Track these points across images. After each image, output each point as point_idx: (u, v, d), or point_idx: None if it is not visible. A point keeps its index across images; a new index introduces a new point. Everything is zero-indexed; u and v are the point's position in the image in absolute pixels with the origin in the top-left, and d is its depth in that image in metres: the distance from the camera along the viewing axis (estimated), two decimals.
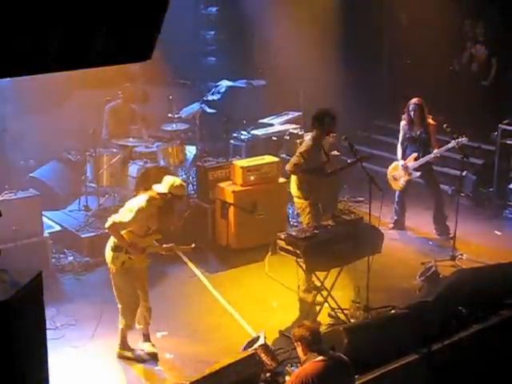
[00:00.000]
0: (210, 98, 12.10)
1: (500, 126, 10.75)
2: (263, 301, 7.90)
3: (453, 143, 9.17)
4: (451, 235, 9.15)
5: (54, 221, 9.39)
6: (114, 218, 6.48)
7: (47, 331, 4.40)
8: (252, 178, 9.31)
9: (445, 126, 9.13)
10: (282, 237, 7.14)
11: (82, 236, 9.00)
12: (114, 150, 9.67)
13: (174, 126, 10.28)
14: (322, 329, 6.73)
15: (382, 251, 7.44)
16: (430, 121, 9.51)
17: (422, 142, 9.51)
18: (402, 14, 13.13)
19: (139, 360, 6.76)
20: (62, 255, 8.85)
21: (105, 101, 10.17)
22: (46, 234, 8.50)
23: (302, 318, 7.17)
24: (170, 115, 10.43)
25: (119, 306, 6.68)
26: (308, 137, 8.49)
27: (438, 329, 6.30)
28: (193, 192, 10.00)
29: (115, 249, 6.53)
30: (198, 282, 8.42)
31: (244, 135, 10.87)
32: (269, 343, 6.35)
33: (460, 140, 9.10)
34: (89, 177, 9.69)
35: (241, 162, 9.51)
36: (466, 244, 9.26)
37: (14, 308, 3.76)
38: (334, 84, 11.45)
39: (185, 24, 11.80)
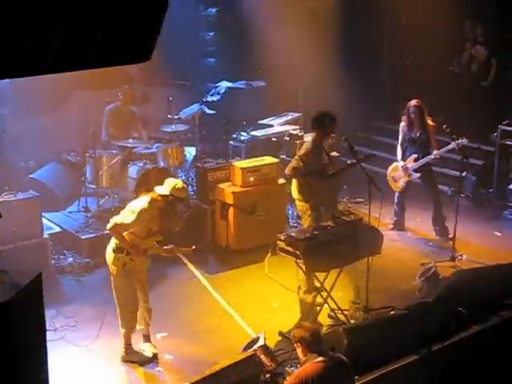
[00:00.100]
0: (210, 99, 12.10)
1: (500, 126, 10.76)
2: (263, 302, 7.90)
3: (453, 144, 9.17)
4: (451, 236, 9.15)
5: (53, 222, 9.39)
6: (116, 220, 6.47)
7: (47, 332, 4.40)
8: (252, 179, 9.31)
9: (444, 126, 9.13)
10: (282, 238, 7.13)
11: (82, 237, 8.99)
12: (114, 152, 9.68)
13: (174, 127, 10.29)
14: (322, 330, 6.73)
15: (381, 252, 7.43)
16: (430, 122, 9.51)
17: (421, 143, 9.51)
18: (402, 15, 13.13)
19: (142, 363, 6.76)
20: (61, 256, 8.84)
21: (104, 102, 10.18)
22: (45, 236, 8.49)
23: (302, 319, 7.17)
24: (169, 116, 10.44)
25: (118, 307, 6.67)
26: (308, 138, 8.49)
27: (438, 329, 6.30)
28: (192, 193, 10.00)
29: (117, 250, 6.53)
30: (198, 283, 8.42)
31: (244, 136, 10.87)
32: (268, 344, 6.35)
33: (460, 141, 9.10)
34: (88, 178, 9.69)
35: (240, 163, 9.51)
36: (466, 245, 9.25)
37: (13, 309, 3.76)
38: (333, 85, 11.45)
39: (184, 25, 11.79)
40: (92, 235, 8.96)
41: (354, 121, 12.06)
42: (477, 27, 12.09)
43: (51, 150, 10.38)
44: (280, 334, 7.03)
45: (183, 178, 10.23)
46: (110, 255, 6.59)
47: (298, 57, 11.86)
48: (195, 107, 11.07)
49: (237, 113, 11.46)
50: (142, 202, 6.51)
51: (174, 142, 10.05)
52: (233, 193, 9.11)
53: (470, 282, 7.17)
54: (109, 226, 6.49)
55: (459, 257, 8.90)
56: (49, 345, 4.32)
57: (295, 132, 10.70)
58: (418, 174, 9.54)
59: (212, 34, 13.17)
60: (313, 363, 5.09)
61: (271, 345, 6.46)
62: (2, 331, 3.70)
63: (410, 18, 12.96)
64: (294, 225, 9.58)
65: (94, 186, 9.65)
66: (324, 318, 7.35)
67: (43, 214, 8.73)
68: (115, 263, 6.54)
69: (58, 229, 9.25)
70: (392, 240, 9.33)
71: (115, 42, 3.34)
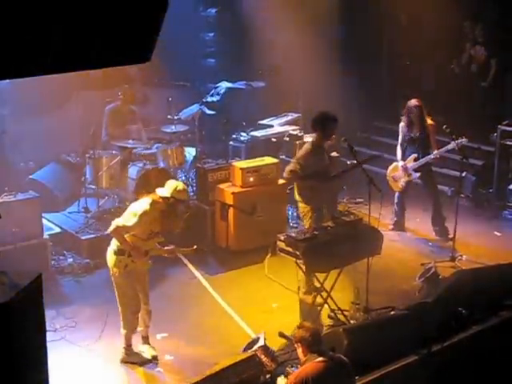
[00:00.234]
0: (210, 99, 12.10)
1: (499, 126, 10.76)
2: (263, 302, 7.90)
3: (452, 144, 9.17)
4: (451, 236, 9.15)
5: (53, 223, 9.39)
6: (118, 222, 6.46)
7: (47, 333, 4.40)
8: (251, 179, 9.30)
9: (444, 127, 9.13)
10: (282, 238, 7.13)
11: (82, 238, 8.99)
12: (114, 152, 9.67)
13: (174, 127, 10.29)
14: (322, 330, 6.73)
15: (381, 252, 7.43)
16: (429, 121, 9.52)
17: (421, 142, 9.51)
18: (402, 15, 13.14)
19: (142, 364, 6.76)
20: (61, 257, 8.84)
21: (105, 102, 10.18)
22: (45, 236, 8.49)
23: (302, 320, 7.17)
24: (169, 117, 10.44)
25: (120, 309, 6.67)
26: (308, 139, 8.47)
27: (438, 330, 6.30)
28: (192, 194, 9.99)
29: (118, 252, 6.51)
30: (198, 284, 8.42)
31: (243, 136, 10.87)
32: (269, 344, 6.34)
33: (459, 141, 9.10)
34: (88, 178, 9.69)
35: (240, 164, 9.50)
36: (466, 245, 9.25)
37: (13, 310, 3.76)
38: (333, 85, 11.44)
39: (184, 26, 11.80)
40: (92, 236, 8.96)
41: (354, 121, 12.06)
42: (476, 28, 12.10)
43: (51, 151, 10.38)
44: (280, 334, 7.02)
45: (183, 178, 10.23)
46: (111, 257, 6.58)
47: (297, 57, 11.86)
48: (195, 108, 11.07)
49: (237, 113, 11.47)
50: (143, 204, 6.50)
51: (173, 143, 10.05)
52: (233, 193, 9.11)
53: (469, 282, 7.17)
54: (110, 228, 6.48)
55: (459, 257, 8.90)
56: (49, 345, 4.32)
57: (295, 132, 10.70)
58: (417, 174, 9.54)
59: (212, 34, 13.17)
60: (313, 363, 5.10)
61: (271, 345, 6.46)
62: (2, 332, 3.70)
63: (410, 18, 12.97)
64: (294, 225, 9.58)
65: (93, 187, 9.65)
66: (324, 319, 7.35)
67: (43, 214, 8.72)
68: (117, 265, 6.53)
69: (57, 229, 9.25)
70: (392, 240, 9.34)
71: (115, 43, 3.34)
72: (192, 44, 12.89)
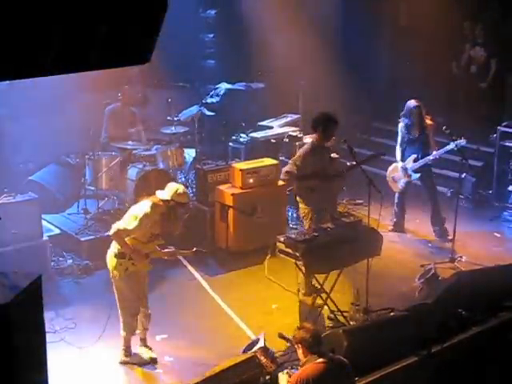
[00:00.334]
0: (209, 100, 12.10)
1: (499, 128, 10.77)
2: (263, 303, 7.90)
3: (452, 145, 9.18)
4: (450, 237, 9.15)
5: (53, 224, 9.38)
6: (118, 225, 6.44)
7: (46, 334, 4.39)
8: (251, 180, 9.30)
9: (444, 127, 9.13)
10: (282, 239, 7.12)
11: (82, 239, 8.98)
12: (113, 153, 9.66)
13: (173, 128, 10.28)
14: (322, 331, 6.72)
15: (381, 253, 7.42)
16: (428, 121, 9.52)
17: (420, 143, 9.51)
18: (402, 16, 13.14)
19: (140, 365, 6.75)
20: (61, 258, 8.83)
21: (104, 103, 10.17)
22: (45, 238, 8.48)
23: (302, 321, 7.16)
24: (169, 118, 10.43)
25: (120, 311, 6.66)
26: (308, 140, 8.47)
27: (438, 331, 6.30)
28: (192, 195, 9.99)
29: (119, 255, 6.50)
30: (198, 285, 8.42)
31: (243, 138, 10.86)
32: (268, 346, 6.34)
33: (459, 142, 9.11)
34: (88, 180, 9.68)
35: (240, 165, 9.49)
36: (466, 246, 9.26)
37: (13, 311, 3.76)
38: (332, 86, 11.45)
39: (184, 27, 11.81)
40: (91, 237, 8.95)
41: (354, 122, 12.06)
42: (476, 28, 12.11)
43: (51, 152, 10.37)
44: (280, 335, 7.01)
45: (183, 179, 10.23)
46: (111, 260, 6.56)
47: (297, 58, 11.86)
48: (195, 109, 11.06)
49: (236, 114, 11.47)
50: (143, 207, 6.49)
51: (173, 144, 10.05)
52: (232, 194, 9.10)
53: (469, 283, 7.17)
54: (111, 232, 6.47)
55: (459, 258, 8.90)
56: (48, 346, 4.32)
57: (294, 134, 10.69)
58: (417, 175, 9.54)
59: (211, 35, 13.19)
60: (313, 364, 5.10)
61: (271, 346, 6.45)
62: (2, 333, 3.70)
63: (409, 19, 12.97)
64: (294, 226, 9.58)
65: (93, 188, 9.63)
66: (324, 320, 7.34)
67: (43, 216, 8.72)
68: (118, 268, 6.52)
69: (57, 231, 9.24)
70: (392, 241, 9.33)
71: (115, 44, 3.34)
72: (191, 45, 12.90)
